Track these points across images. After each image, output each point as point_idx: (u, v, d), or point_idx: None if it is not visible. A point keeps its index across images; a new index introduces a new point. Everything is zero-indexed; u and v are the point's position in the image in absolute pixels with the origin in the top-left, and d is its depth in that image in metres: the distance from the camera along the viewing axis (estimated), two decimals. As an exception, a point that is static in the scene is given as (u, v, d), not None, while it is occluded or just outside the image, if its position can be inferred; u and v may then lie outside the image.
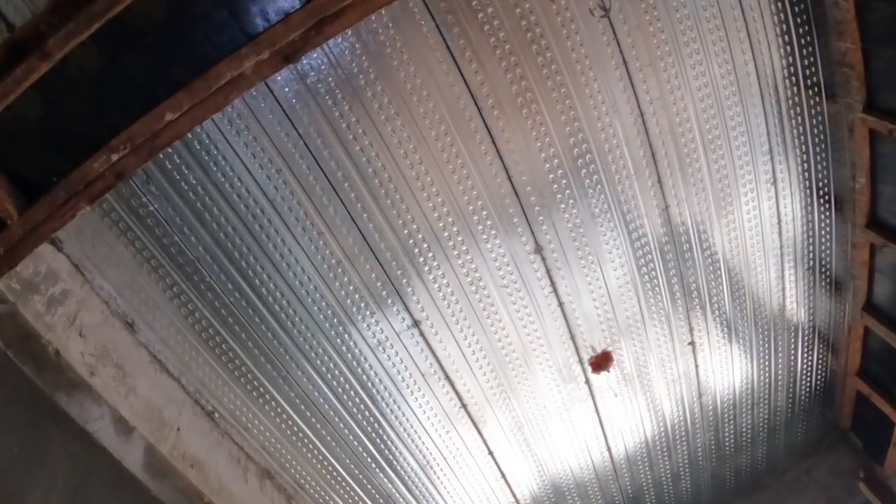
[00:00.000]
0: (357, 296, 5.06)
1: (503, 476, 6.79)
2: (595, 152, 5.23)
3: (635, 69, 5.10)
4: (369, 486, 6.28)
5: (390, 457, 6.16)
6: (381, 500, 6.45)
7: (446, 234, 5.09)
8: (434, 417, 6.01)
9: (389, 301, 5.16)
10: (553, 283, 5.56)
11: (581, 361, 6.16)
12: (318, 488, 6.17)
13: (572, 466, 7.20)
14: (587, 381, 6.34)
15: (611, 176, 5.38)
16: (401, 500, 6.53)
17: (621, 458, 7.41)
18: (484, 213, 5.13)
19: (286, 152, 4.50)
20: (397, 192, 4.87)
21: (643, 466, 7.66)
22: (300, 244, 4.78)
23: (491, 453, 6.51)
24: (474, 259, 5.23)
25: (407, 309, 5.25)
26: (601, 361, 6.20)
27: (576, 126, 5.11)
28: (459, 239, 5.14)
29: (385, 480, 6.31)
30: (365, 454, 6.05)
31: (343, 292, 5.01)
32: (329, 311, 5.07)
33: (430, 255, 5.12)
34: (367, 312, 5.18)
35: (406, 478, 6.38)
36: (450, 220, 5.06)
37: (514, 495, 7.07)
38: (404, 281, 5.13)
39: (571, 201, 5.29)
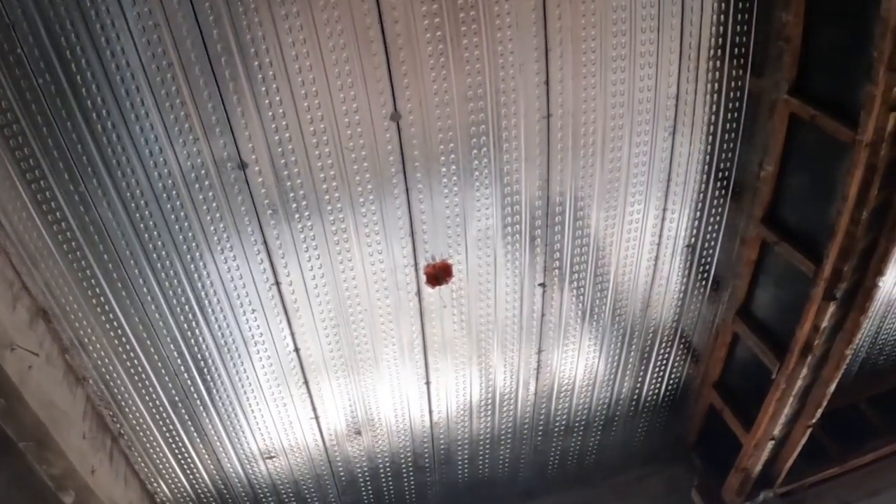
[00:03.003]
0: (183, 113, 5.01)
1: (306, 382, 6.82)
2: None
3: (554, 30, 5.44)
4: (153, 351, 6.24)
5: (185, 326, 6.13)
6: (164, 371, 6.42)
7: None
8: (242, 290, 5.99)
9: (215, 121, 5.09)
10: (404, 164, 5.66)
11: (416, 267, 6.24)
12: (101, 351, 6.09)
13: (385, 395, 7.28)
14: (418, 293, 6.42)
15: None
16: (187, 378, 6.51)
17: (439, 401, 7.54)
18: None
19: None
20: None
21: (462, 416, 7.80)
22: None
23: (297, 350, 6.53)
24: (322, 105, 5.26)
25: (235, 143, 5.21)
26: (440, 274, 6.29)
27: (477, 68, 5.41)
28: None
29: (173, 352, 6.28)
30: (158, 316, 6.00)
31: (168, 104, 4.93)
32: (147, 124, 4.97)
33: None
34: (190, 137, 5.11)
35: (198, 355, 6.37)
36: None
37: (314, 409, 7.12)
38: (238, 108, 5.10)
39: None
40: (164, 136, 5.05)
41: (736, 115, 6.34)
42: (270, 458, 7.52)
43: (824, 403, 7.07)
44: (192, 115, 5.00)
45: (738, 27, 5.89)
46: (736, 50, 6.00)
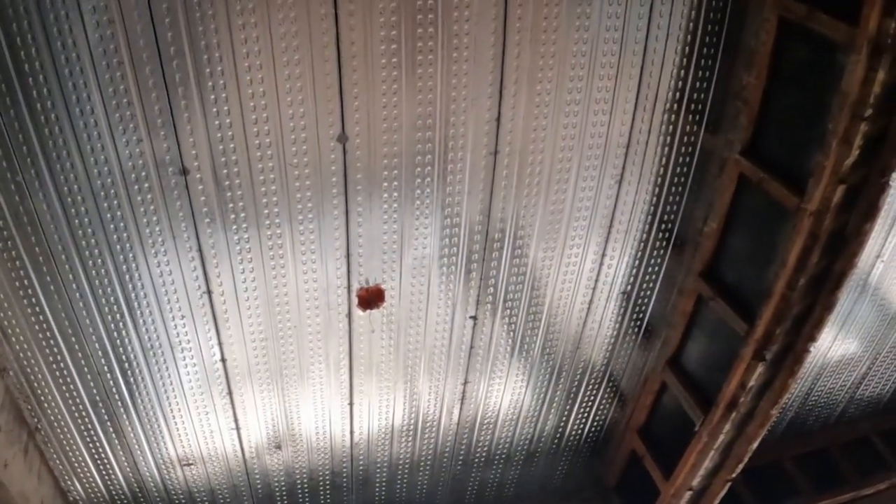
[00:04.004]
0: (129, 112, 4.88)
1: (230, 393, 6.70)
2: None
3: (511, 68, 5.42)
4: (77, 347, 6.07)
5: (112, 326, 5.98)
6: (87, 369, 6.26)
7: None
8: (173, 295, 5.87)
9: (160, 123, 4.97)
10: (346, 186, 5.60)
11: (349, 289, 6.18)
12: (24, 343, 5.92)
13: (308, 412, 7.18)
14: (349, 315, 6.35)
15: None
16: (109, 379, 6.35)
17: (362, 423, 7.46)
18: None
19: None
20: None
21: (383, 439, 7.73)
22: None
23: (224, 360, 6.42)
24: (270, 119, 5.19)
25: (179, 148, 5.10)
26: (372, 298, 6.24)
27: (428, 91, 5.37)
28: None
29: (98, 350, 6.12)
30: (85, 314, 5.85)
31: (115, 102, 4.79)
32: (92, 120, 4.83)
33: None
34: (134, 137, 4.99)
35: (123, 356, 6.22)
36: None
37: (236, 420, 7.00)
38: (185, 113, 4.98)
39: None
40: (108, 134, 4.92)
41: (685, 169, 6.37)
42: (188, 465, 7.37)
43: (746, 459, 7.06)
44: (138, 115, 4.88)
45: (698, 83, 5.93)
46: (693, 105, 6.04)
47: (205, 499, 7.84)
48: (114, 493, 7.49)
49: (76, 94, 4.74)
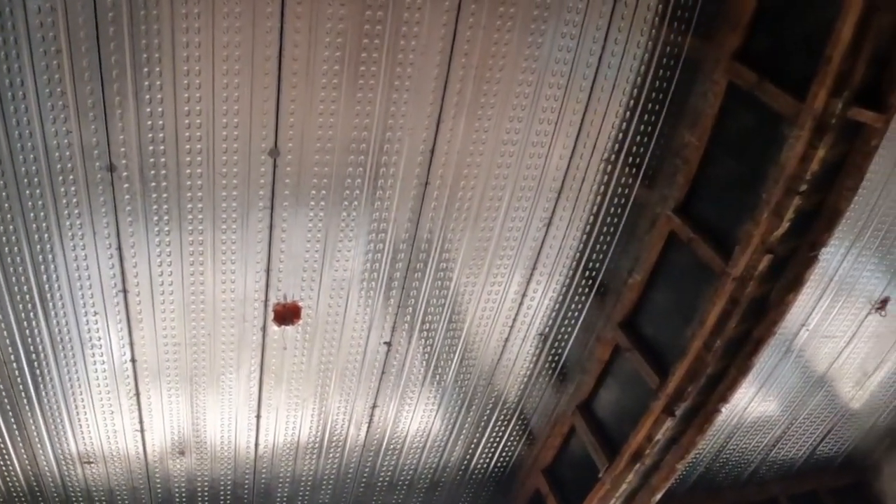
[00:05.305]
0: (61, 103, 4.74)
1: (137, 394, 6.53)
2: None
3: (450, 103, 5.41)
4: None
5: (23, 315, 5.77)
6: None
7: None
8: (88, 290, 5.71)
9: (92, 117, 4.84)
10: (273, 201, 5.52)
11: (266, 303, 6.09)
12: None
13: (214, 420, 7.04)
14: (264, 329, 6.26)
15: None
16: (15, 369, 6.14)
17: (268, 436, 7.34)
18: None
19: None
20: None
21: (287, 455, 7.61)
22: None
23: (134, 361, 6.25)
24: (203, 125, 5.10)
25: (108, 144, 4.97)
26: (288, 314, 6.15)
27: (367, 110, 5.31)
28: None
29: (6, 339, 5.90)
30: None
31: (48, 90, 4.66)
32: (23, 106, 4.68)
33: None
34: (63, 128, 4.85)
35: (31, 347, 6.02)
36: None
37: (141, 422, 6.82)
38: (119, 110, 4.84)
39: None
40: (38, 120, 4.77)
41: (616, 219, 6.39)
42: (89, 462, 7.16)
43: (648, 510, 7.06)
44: (70, 105, 4.75)
45: (639, 136, 5.94)
46: (631, 158, 6.04)
47: (103, 498, 7.61)
48: (10, 484, 7.23)
49: (10, 77, 4.59)
